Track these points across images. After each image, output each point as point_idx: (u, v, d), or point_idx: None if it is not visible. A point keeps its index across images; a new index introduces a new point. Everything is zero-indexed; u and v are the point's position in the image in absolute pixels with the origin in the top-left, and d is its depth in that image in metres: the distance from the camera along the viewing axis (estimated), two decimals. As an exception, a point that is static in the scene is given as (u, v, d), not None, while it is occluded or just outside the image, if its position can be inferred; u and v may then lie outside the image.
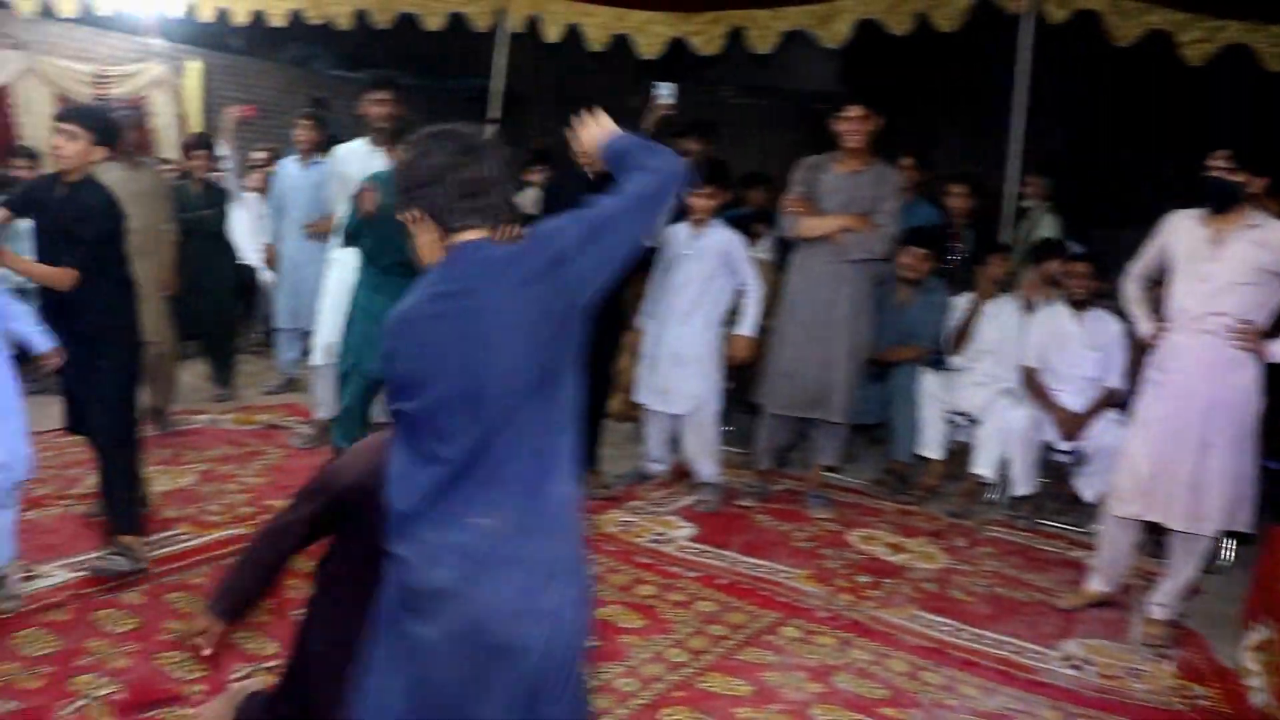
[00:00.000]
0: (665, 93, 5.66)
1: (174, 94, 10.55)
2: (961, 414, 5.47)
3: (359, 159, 4.95)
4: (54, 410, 4.08)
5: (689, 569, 4.29)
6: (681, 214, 5.02)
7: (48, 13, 8.36)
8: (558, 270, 1.87)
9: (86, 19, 9.02)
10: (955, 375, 5.53)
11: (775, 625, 3.82)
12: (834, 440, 5.15)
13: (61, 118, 3.77)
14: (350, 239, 4.61)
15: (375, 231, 4.39)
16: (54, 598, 3.52)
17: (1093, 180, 7.79)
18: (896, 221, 4.89)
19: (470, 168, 1.92)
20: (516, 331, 1.85)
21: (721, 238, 5.00)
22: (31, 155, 6.94)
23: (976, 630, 3.91)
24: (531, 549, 1.87)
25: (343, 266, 4.97)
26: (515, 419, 1.86)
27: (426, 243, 1.97)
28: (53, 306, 3.80)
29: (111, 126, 3.87)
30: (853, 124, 4.83)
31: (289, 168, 6.44)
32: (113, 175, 5.17)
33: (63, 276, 3.67)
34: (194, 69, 10.74)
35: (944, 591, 4.27)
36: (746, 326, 5.04)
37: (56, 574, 3.72)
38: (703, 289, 4.98)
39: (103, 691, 2.96)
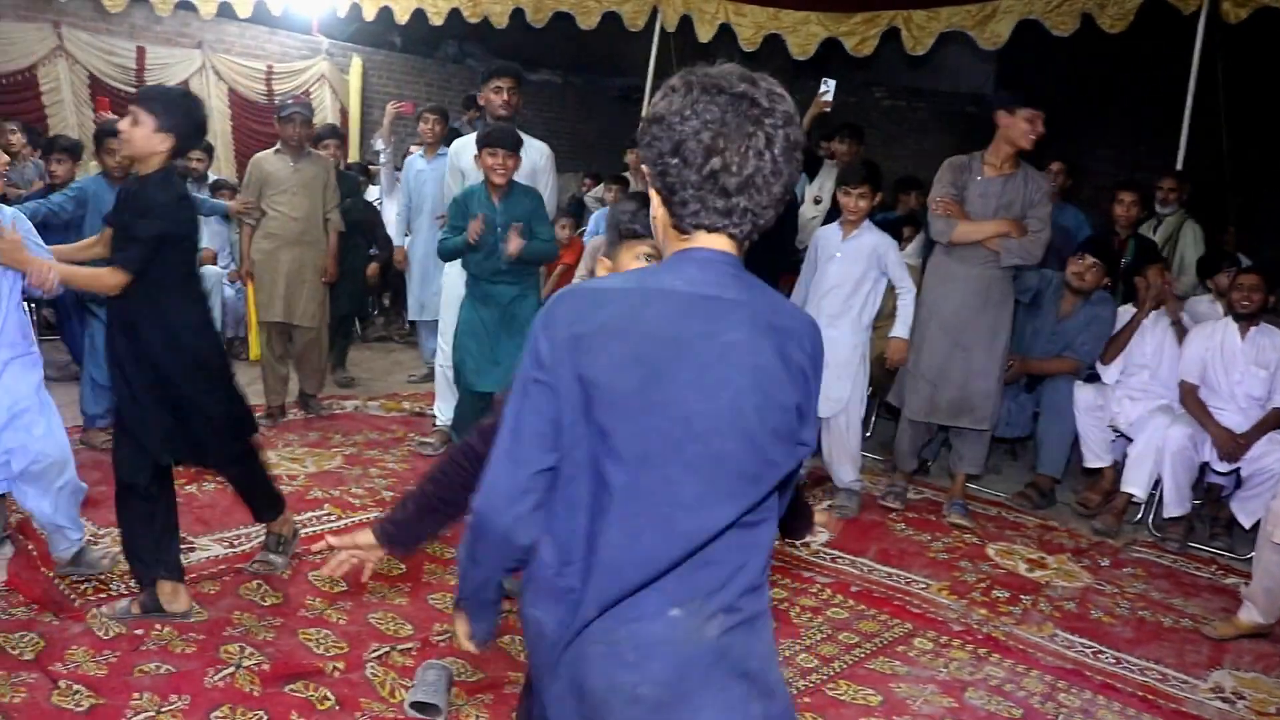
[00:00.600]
0: (827, 89, 5.64)
1: (336, 89, 10.98)
2: (1115, 430, 5.27)
3: (472, 151, 4.75)
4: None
5: (822, 574, 4.26)
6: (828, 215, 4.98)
7: (224, 13, 8.81)
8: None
9: (258, 18, 9.47)
10: (1110, 389, 5.34)
11: (908, 636, 3.77)
12: (977, 449, 5.04)
13: (134, 99, 3.24)
14: (449, 255, 4.59)
15: (478, 248, 4.41)
16: (207, 570, 3.71)
17: (1260, 188, 7.40)
18: (1048, 227, 4.75)
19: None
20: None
21: (873, 240, 4.93)
22: (208, 149, 7.32)
23: (1118, 653, 3.78)
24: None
25: (456, 270, 4.96)
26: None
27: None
28: (115, 325, 3.27)
29: (186, 115, 3.19)
30: (1035, 127, 4.67)
31: (416, 163, 6.58)
32: (281, 165, 5.48)
33: (107, 278, 3.10)
34: (356, 65, 11.14)
35: (1084, 611, 4.14)
36: (902, 329, 4.98)
37: (211, 547, 3.92)
38: (852, 291, 4.91)
39: (249, 662, 3.10)
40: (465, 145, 4.96)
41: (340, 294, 6.29)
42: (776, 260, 4.81)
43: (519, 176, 4.59)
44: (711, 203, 1.49)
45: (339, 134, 6.84)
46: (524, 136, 4.76)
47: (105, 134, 5.41)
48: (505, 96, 4.88)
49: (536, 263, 4.70)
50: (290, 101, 5.80)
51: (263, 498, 3.69)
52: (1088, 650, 3.79)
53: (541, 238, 4.51)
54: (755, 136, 1.47)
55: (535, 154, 4.92)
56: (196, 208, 3.64)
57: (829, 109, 5.73)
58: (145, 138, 3.10)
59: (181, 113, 3.17)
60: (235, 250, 7.02)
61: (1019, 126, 4.60)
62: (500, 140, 4.37)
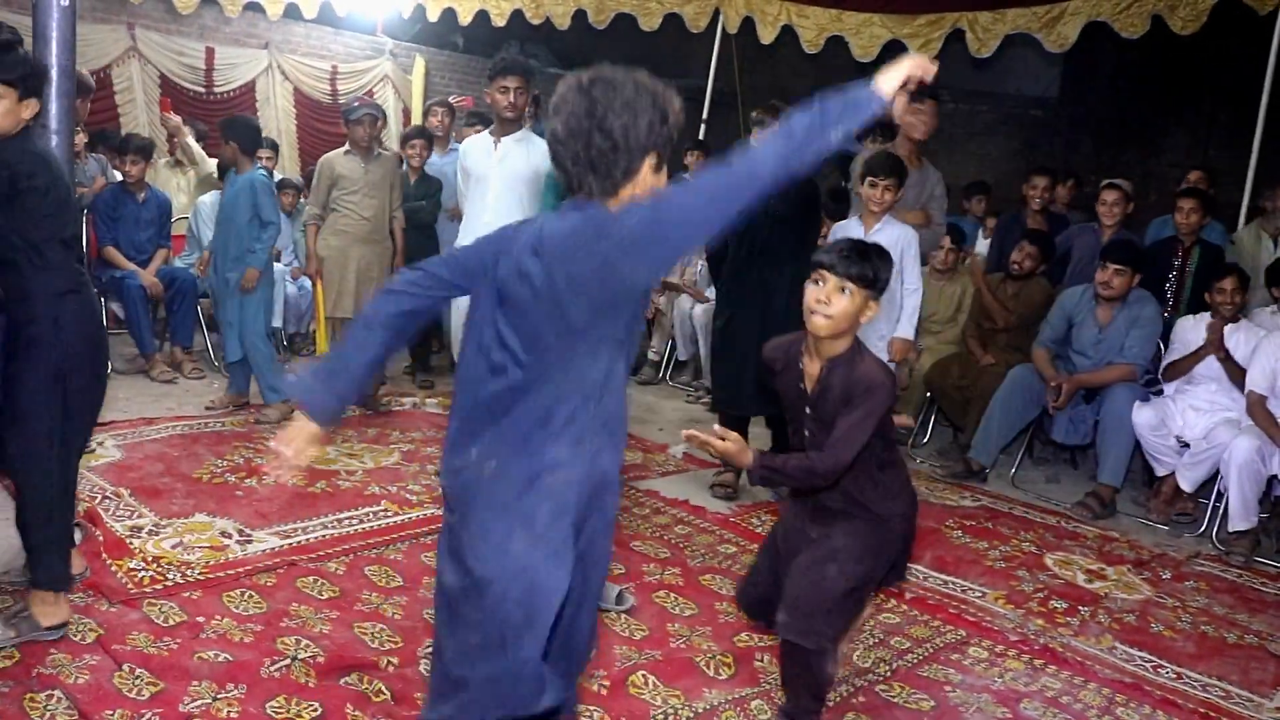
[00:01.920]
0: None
1: (400, 90, 11.10)
2: (1179, 440, 5.17)
3: (481, 152, 4.75)
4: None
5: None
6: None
7: (290, 14, 8.96)
8: (603, 245, 1.90)
9: (324, 20, 9.61)
10: (1169, 403, 5.23)
11: (962, 644, 3.72)
12: None
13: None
14: None
15: None
16: (264, 562, 3.76)
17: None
18: (945, 217, 4.87)
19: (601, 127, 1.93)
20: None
21: (895, 233, 4.87)
22: (274, 146, 7.45)
23: (1179, 668, 3.70)
24: None
25: None
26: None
27: None
28: None
29: (35, 75, 2.91)
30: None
31: (432, 159, 6.74)
32: (352, 166, 5.57)
33: None
34: (419, 66, 11.26)
35: (1145, 625, 4.06)
36: (907, 328, 4.97)
37: (268, 540, 3.96)
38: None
39: (305, 654, 3.14)
40: (473, 145, 4.85)
41: None
42: (800, 253, 4.75)
43: (521, 178, 4.61)
44: None
45: (427, 134, 6.86)
46: (533, 137, 4.78)
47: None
48: (512, 98, 4.60)
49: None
50: (356, 104, 5.86)
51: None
52: (1148, 664, 3.71)
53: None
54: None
55: (539, 155, 4.83)
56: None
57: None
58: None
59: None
60: (299, 248, 7.13)
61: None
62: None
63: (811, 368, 2.75)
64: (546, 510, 2.00)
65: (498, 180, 4.62)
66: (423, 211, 6.46)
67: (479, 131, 5.23)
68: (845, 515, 2.81)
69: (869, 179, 4.85)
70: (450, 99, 7.72)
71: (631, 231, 1.89)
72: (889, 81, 1.94)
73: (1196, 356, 5.22)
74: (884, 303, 4.79)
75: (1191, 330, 5.31)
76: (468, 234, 4.78)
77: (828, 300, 2.62)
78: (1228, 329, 5.16)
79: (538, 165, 4.81)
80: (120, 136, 7.33)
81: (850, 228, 4.97)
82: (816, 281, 2.65)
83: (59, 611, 3.06)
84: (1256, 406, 4.91)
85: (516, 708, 2.05)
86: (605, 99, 1.90)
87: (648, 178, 1.97)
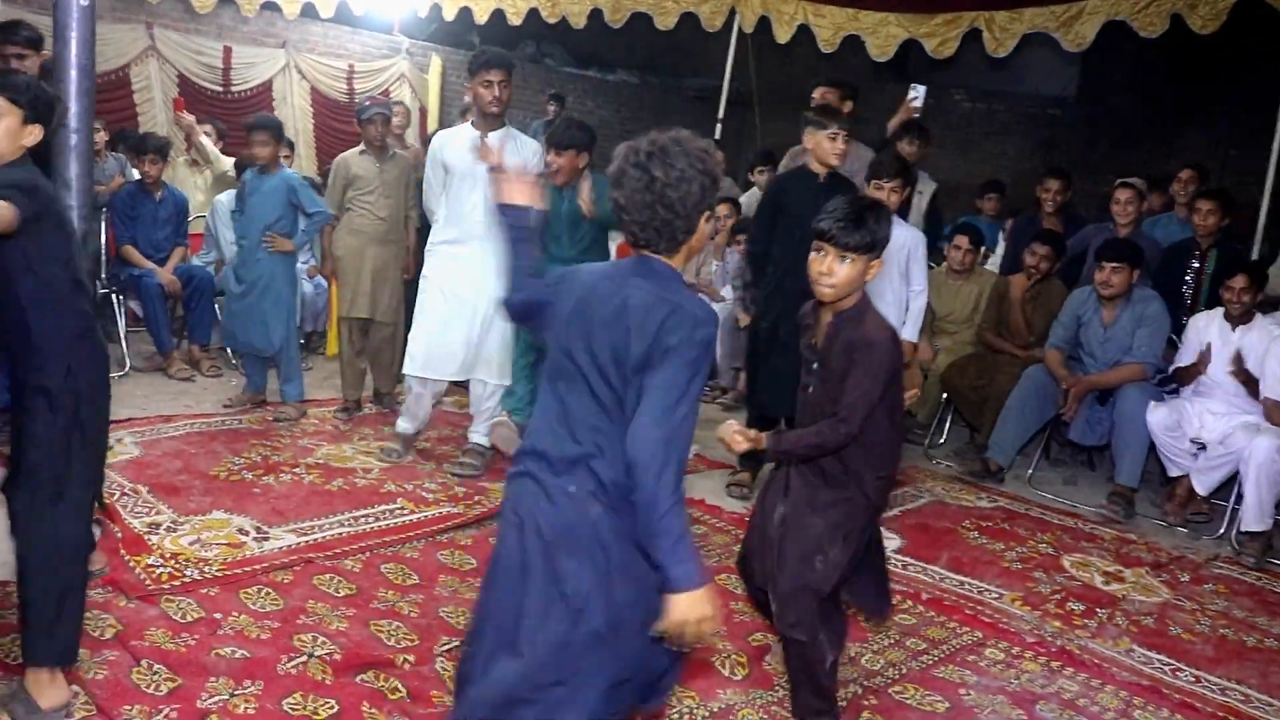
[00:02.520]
0: (917, 95, 5.58)
1: (416, 88, 11.12)
2: (1196, 442, 5.14)
3: (464, 147, 4.65)
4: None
5: (892, 581, 4.19)
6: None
7: (307, 13, 8.98)
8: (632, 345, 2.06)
9: (341, 19, 9.64)
10: (1185, 404, 5.20)
11: (978, 645, 3.71)
12: None
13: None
14: None
15: (550, 230, 4.46)
16: (281, 559, 3.77)
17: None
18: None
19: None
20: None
21: (903, 235, 4.84)
22: (290, 145, 7.46)
23: (1197, 671, 3.68)
24: None
25: (434, 258, 4.86)
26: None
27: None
28: None
29: (41, 101, 2.68)
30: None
31: None
32: (368, 166, 5.58)
33: None
34: (436, 65, 11.28)
35: (1163, 627, 4.04)
36: (912, 331, 4.98)
37: (285, 537, 3.97)
38: (885, 289, 4.85)
39: (321, 651, 3.15)
40: (454, 139, 4.79)
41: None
42: None
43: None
44: None
45: None
46: (516, 133, 4.80)
47: None
48: (497, 91, 4.56)
49: (610, 226, 4.80)
50: (368, 103, 5.85)
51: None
52: (1166, 667, 3.69)
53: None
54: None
55: (528, 152, 4.78)
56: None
57: (918, 114, 5.66)
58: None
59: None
60: (315, 247, 7.15)
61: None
62: (569, 140, 4.59)
63: (823, 321, 2.84)
64: None
65: (484, 178, 4.51)
66: None
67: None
68: (830, 484, 2.83)
69: (874, 181, 4.81)
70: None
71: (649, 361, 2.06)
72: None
73: (1195, 370, 5.20)
74: (891, 304, 4.84)
75: (1203, 330, 5.27)
76: (454, 230, 4.75)
77: (830, 271, 2.70)
78: (1239, 329, 5.13)
79: (527, 161, 4.80)
80: (138, 135, 7.36)
81: None
82: (818, 250, 2.72)
83: (58, 690, 2.67)
84: (1275, 411, 4.88)
85: None
86: (663, 174, 2.09)
87: (701, 228, 2.20)
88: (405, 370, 4.88)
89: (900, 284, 4.98)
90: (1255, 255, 6.13)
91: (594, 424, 2.09)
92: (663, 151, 2.11)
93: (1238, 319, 5.14)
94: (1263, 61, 6.10)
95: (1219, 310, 5.25)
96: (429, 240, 4.90)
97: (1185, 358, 5.30)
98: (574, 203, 4.70)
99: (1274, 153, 5.94)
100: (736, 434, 2.72)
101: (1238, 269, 5.24)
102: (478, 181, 4.60)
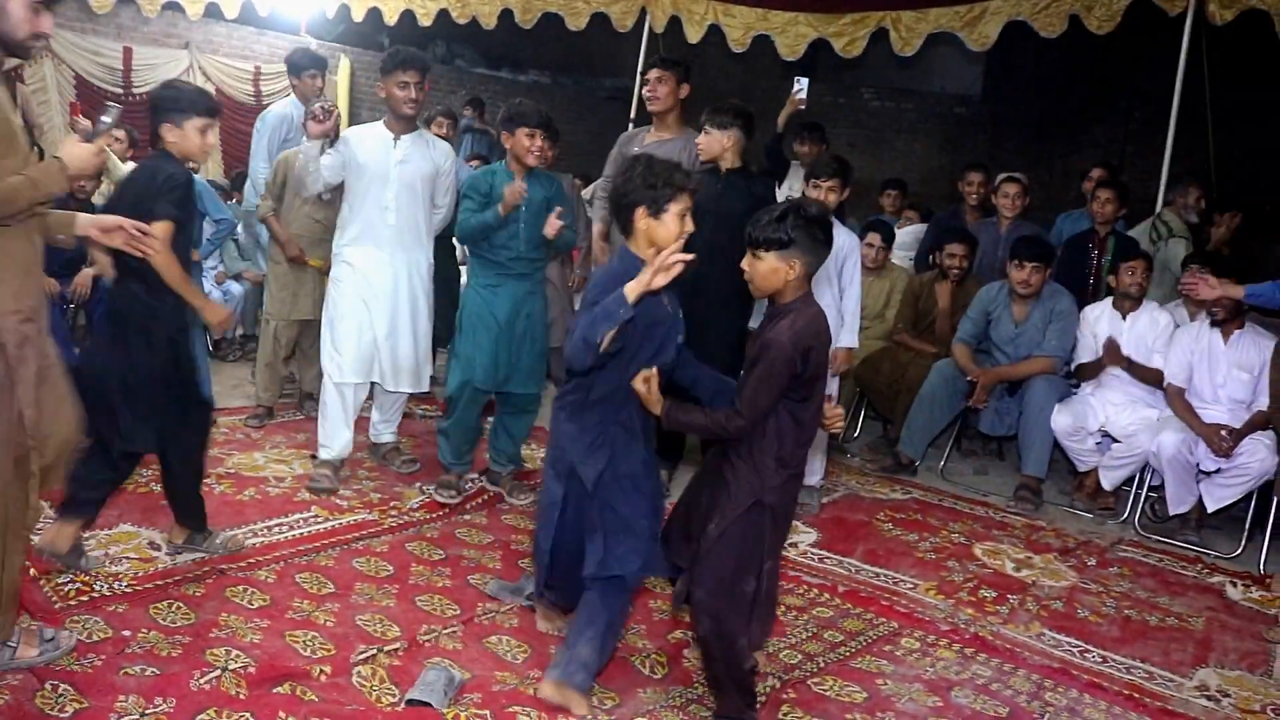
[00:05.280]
0: (801, 87, 5.61)
1: (325, 90, 10.95)
2: (1103, 432, 5.29)
3: (376, 148, 4.54)
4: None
5: (809, 574, 4.27)
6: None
7: (211, 13, 8.79)
8: None
9: (246, 19, 9.45)
10: (1087, 401, 5.34)
11: (894, 635, 3.78)
12: None
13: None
14: (471, 234, 4.44)
15: (504, 225, 4.39)
16: (193, 572, 3.69)
17: (1245, 190, 7.42)
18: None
19: None
20: None
21: (842, 238, 4.90)
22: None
23: (1104, 652, 3.79)
24: None
25: (344, 263, 4.67)
26: None
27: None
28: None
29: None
30: (653, 87, 4.86)
31: None
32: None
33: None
34: (345, 66, 11.13)
35: (1071, 611, 4.15)
36: (850, 337, 4.94)
37: (197, 550, 3.87)
38: (825, 289, 4.90)
39: (235, 665, 3.08)
40: (365, 137, 4.61)
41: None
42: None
43: (425, 177, 4.59)
44: None
45: (452, 114, 6.62)
46: (429, 136, 4.75)
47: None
48: (413, 93, 4.45)
49: (564, 248, 4.82)
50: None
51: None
52: (1074, 649, 3.80)
53: (566, 223, 4.49)
54: None
55: (440, 155, 4.74)
56: None
57: (803, 107, 5.71)
58: None
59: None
60: (224, 254, 6.99)
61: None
62: (535, 119, 4.38)
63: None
64: None
65: (398, 180, 4.54)
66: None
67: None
68: (736, 475, 2.88)
69: (812, 181, 4.83)
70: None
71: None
72: (632, 290, 2.74)
73: (1099, 365, 5.35)
74: (829, 305, 4.87)
75: (1094, 322, 5.42)
76: (356, 229, 4.60)
77: (748, 267, 2.88)
78: (1129, 318, 5.29)
79: (439, 164, 4.73)
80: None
81: None
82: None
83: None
84: (1176, 398, 5.04)
85: None
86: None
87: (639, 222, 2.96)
88: (331, 378, 4.72)
89: (837, 287, 5.00)
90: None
91: None
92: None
93: (1127, 308, 5.30)
94: (1158, 61, 6.28)
95: (1107, 301, 5.41)
96: (335, 242, 4.74)
97: (1084, 354, 5.44)
98: (534, 192, 4.45)
99: (1168, 149, 6.13)
100: (643, 381, 2.87)
101: (1130, 252, 5.41)
102: (389, 183, 4.54)
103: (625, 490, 3.02)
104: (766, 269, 2.83)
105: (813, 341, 2.79)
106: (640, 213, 2.95)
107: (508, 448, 4.85)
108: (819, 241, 2.83)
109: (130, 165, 7.07)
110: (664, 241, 2.89)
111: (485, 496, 4.78)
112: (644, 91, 4.94)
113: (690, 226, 2.99)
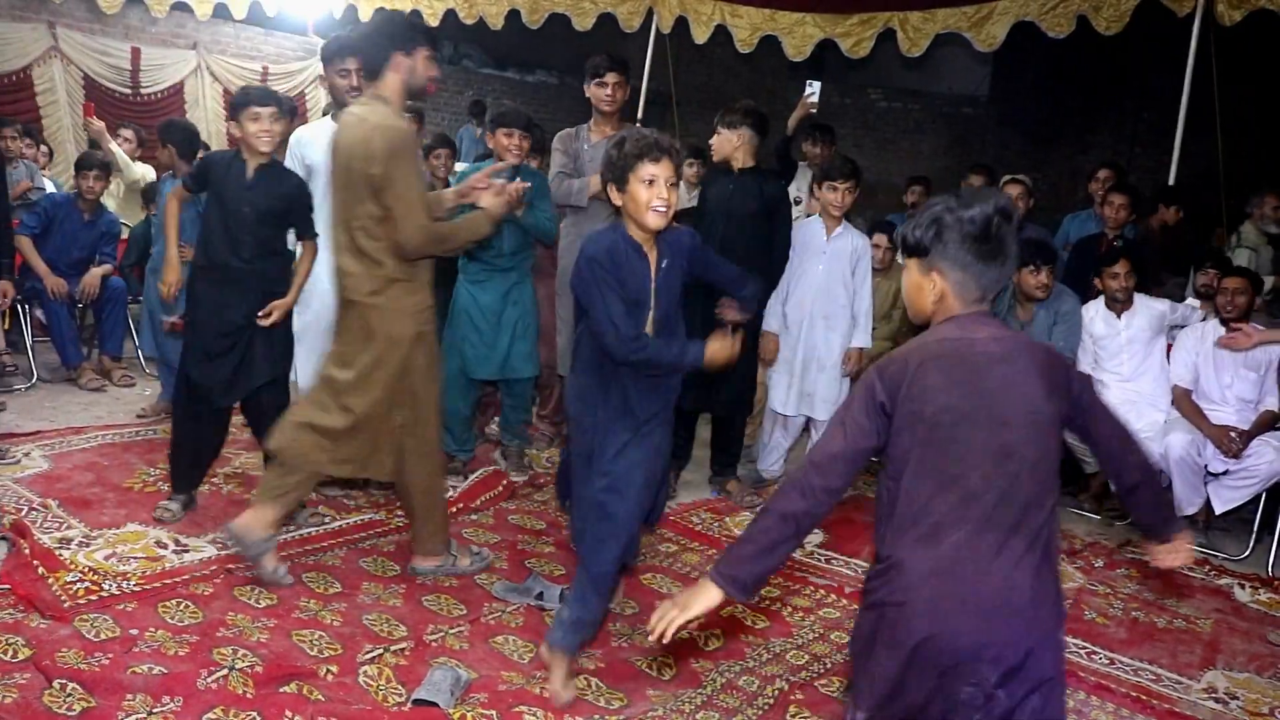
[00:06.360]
0: (813, 91, 5.62)
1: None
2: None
3: (325, 145, 4.00)
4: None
5: (817, 575, 4.26)
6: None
7: (219, 14, 8.81)
8: None
9: (254, 20, 9.47)
10: (1101, 394, 5.32)
11: (901, 636, 3.76)
12: None
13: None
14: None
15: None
16: (201, 571, 3.69)
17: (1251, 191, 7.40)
18: None
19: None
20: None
21: (854, 242, 4.95)
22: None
23: (1111, 654, 3.79)
24: None
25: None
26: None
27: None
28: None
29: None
30: (608, 90, 4.89)
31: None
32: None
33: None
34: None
35: (1078, 612, 4.14)
36: (863, 338, 4.99)
37: (205, 549, 3.89)
38: (841, 291, 4.93)
39: (242, 664, 3.08)
40: (314, 136, 4.44)
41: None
42: (775, 260, 4.79)
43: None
44: None
45: (449, 142, 6.39)
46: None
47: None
48: (353, 80, 4.30)
49: (540, 236, 4.86)
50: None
51: None
52: (1081, 651, 3.79)
53: (544, 214, 4.72)
54: None
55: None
56: None
57: (815, 110, 5.72)
58: None
59: None
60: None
61: (501, 142, 4.58)
62: (515, 120, 4.58)
63: None
64: None
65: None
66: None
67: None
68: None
69: (828, 182, 4.85)
70: None
71: None
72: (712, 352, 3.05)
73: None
74: (843, 306, 4.89)
75: (1091, 323, 5.38)
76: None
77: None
78: (1125, 315, 5.27)
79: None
80: (83, 153, 6.99)
81: (813, 230, 4.99)
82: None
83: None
84: (1182, 400, 5.03)
85: None
86: None
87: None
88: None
89: (851, 288, 5.00)
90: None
91: None
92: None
93: (1120, 307, 5.28)
94: (1166, 62, 6.26)
95: (1100, 300, 5.38)
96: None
97: (1082, 355, 5.39)
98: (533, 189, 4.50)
99: (1175, 151, 6.12)
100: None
101: (1114, 253, 5.38)
102: (320, 177, 4.27)
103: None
104: (908, 282, 2.21)
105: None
106: (613, 191, 3.02)
107: (514, 423, 5.15)
108: (987, 253, 2.07)
109: (141, 165, 7.11)
110: (638, 211, 2.95)
111: (492, 493, 4.77)
112: (604, 94, 4.91)
113: (664, 193, 2.93)
